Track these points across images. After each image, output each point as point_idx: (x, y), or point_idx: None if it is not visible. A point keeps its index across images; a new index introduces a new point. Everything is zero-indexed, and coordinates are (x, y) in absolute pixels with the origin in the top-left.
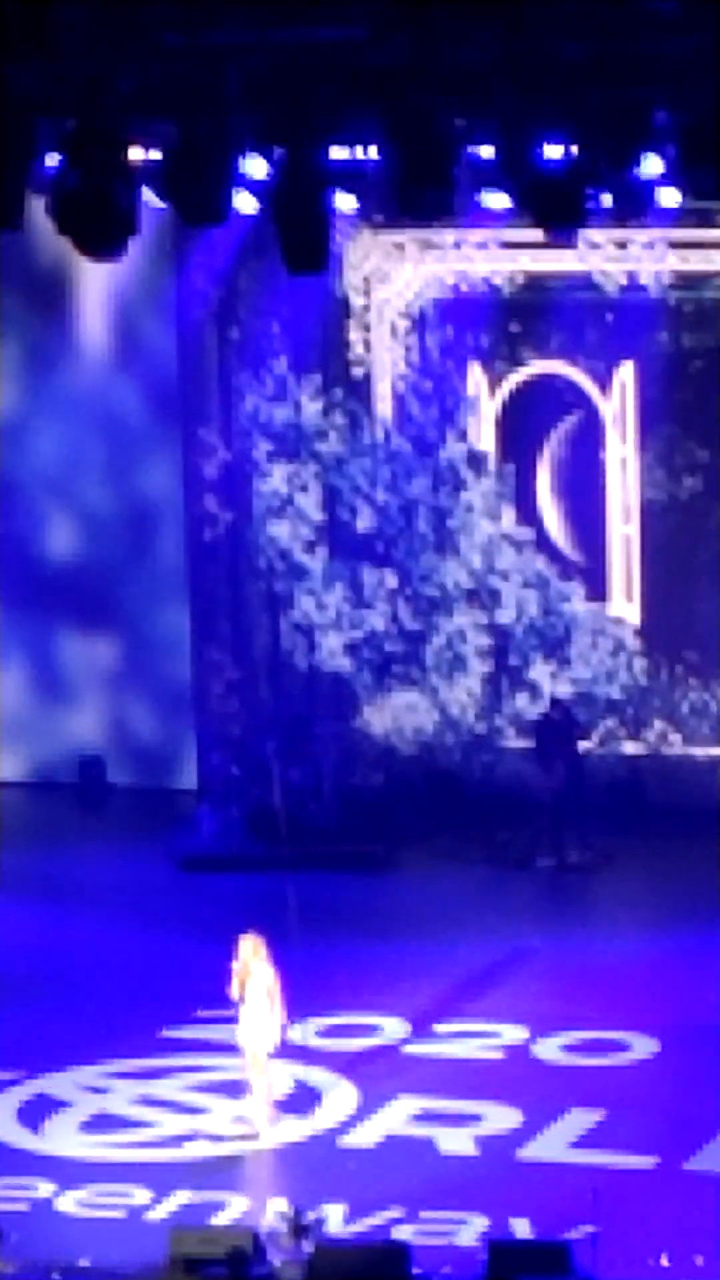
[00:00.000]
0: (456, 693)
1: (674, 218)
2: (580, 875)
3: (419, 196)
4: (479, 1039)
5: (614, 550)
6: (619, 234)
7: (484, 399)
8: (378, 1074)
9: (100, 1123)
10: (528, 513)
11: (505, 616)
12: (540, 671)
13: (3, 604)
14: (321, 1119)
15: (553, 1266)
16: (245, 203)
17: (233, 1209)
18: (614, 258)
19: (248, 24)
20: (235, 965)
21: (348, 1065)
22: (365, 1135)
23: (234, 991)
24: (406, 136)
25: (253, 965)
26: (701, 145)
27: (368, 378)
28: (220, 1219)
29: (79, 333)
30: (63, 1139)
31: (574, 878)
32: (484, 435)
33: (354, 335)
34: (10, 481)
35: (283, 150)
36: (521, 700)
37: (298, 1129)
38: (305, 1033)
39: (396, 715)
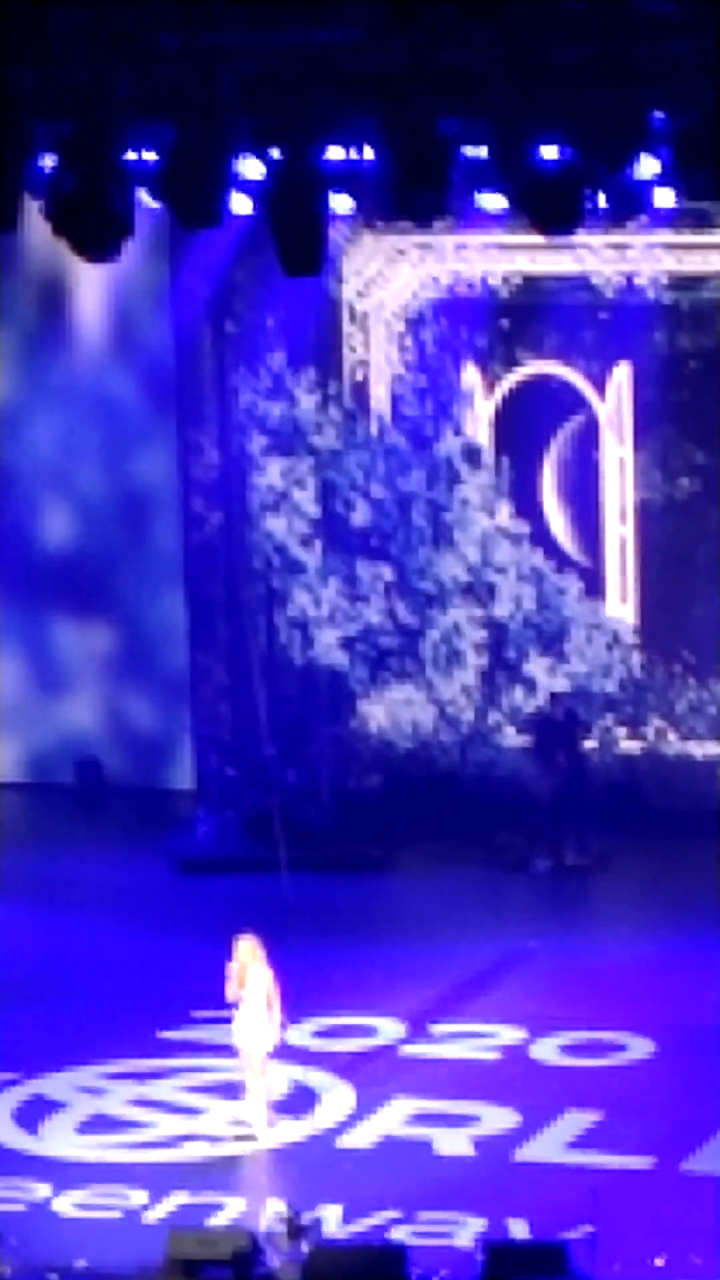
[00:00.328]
0: (453, 687)
1: (671, 219)
2: (578, 877)
3: (415, 198)
4: (476, 1040)
5: (610, 551)
6: (616, 235)
7: (480, 400)
8: (375, 1075)
9: (97, 1124)
10: (524, 511)
11: (501, 610)
12: (536, 665)
13: None
14: (319, 1120)
15: (550, 1267)
16: (241, 204)
17: (230, 1210)
18: (610, 259)
19: (243, 26)
20: (232, 966)
21: (345, 1066)
22: (362, 1136)
23: (231, 993)
24: (402, 138)
25: (250, 967)
26: (698, 146)
27: (364, 374)
28: (218, 1220)
29: (76, 323)
30: (60, 1140)
31: (572, 880)
32: (480, 436)
33: (350, 334)
34: (6, 470)
35: (278, 152)
36: (518, 695)
37: (295, 1130)
38: (302, 1034)
39: (393, 710)
